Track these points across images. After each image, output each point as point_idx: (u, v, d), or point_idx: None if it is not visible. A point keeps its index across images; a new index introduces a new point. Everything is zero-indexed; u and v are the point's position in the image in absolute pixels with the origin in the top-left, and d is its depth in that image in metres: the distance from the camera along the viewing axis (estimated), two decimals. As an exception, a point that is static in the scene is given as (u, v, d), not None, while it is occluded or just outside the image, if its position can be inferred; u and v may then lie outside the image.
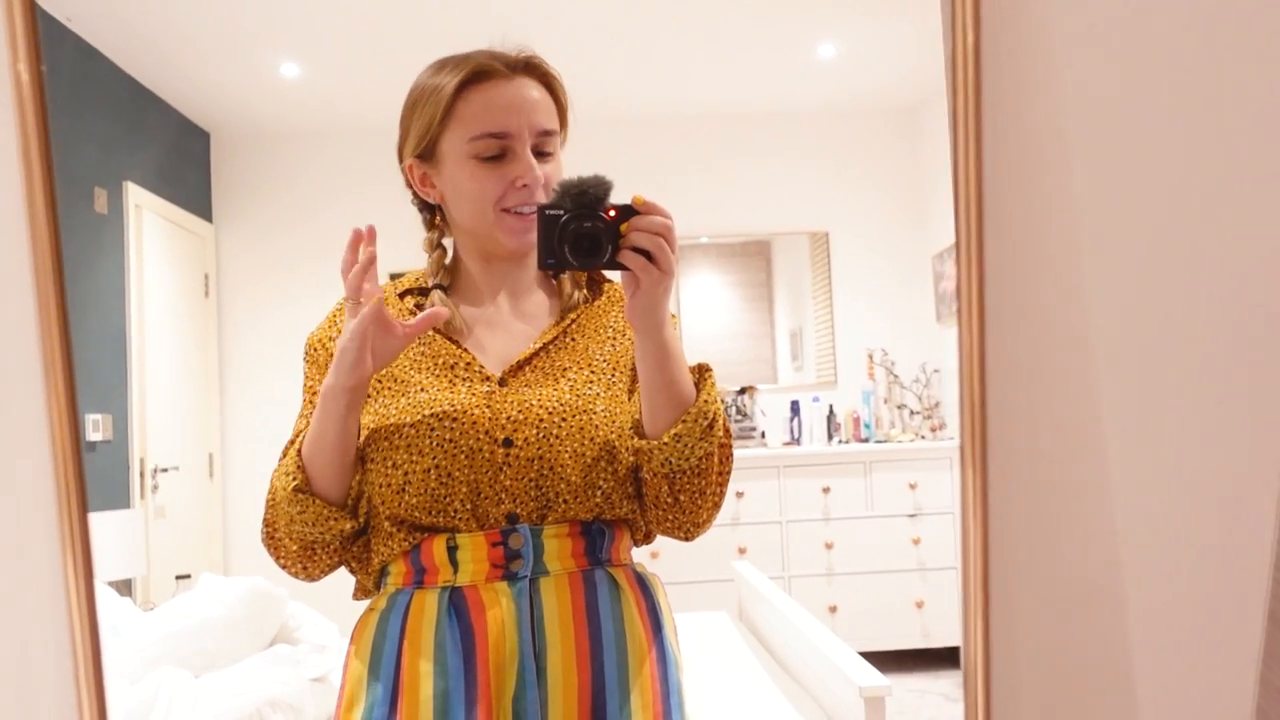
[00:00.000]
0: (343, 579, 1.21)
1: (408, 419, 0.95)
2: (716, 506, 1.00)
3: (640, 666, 0.98)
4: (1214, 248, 0.94)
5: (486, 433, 0.95)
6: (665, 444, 0.93)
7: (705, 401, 0.93)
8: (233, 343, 3.70)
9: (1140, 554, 0.92)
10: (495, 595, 0.95)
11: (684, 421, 0.93)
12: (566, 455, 0.96)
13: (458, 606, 0.97)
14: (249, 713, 1.67)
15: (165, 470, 3.14)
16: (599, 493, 0.98)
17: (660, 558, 3.29)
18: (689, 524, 0.98)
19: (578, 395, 0.98)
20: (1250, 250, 0.92)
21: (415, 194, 1.03)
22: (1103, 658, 0.93)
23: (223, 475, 3.59)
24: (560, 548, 0.97)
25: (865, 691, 1.59)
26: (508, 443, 0.95)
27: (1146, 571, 0.94)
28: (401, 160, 1.03)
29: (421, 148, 1.00)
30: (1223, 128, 0.92)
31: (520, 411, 0.96)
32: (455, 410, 0.96)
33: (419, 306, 1.02)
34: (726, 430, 0.96)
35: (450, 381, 0.98)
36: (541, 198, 0.98)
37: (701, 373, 0.95)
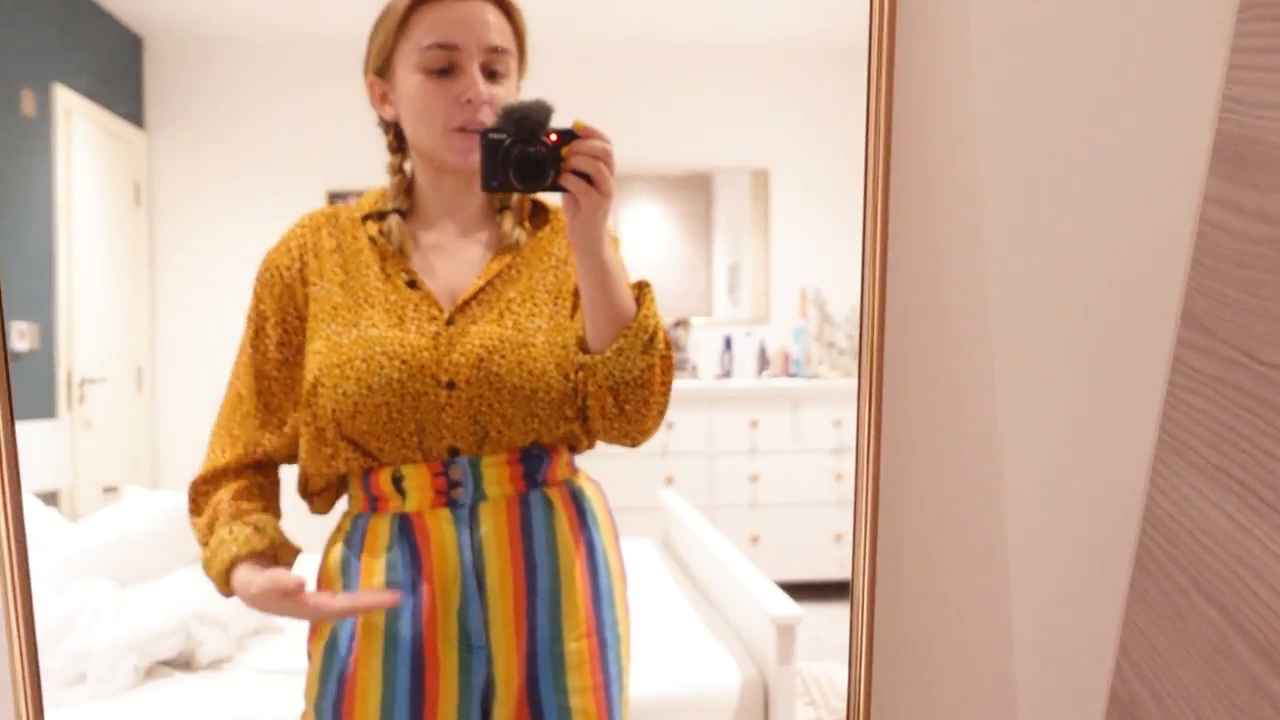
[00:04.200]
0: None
1: (359, 354, 1.02)
2: (661, 414, 1.07)
3: (571, 578, 1.06)
4: (1113, 186, 0.97)
5: (432, 376, 1.02)
6: (608, 358, 1.00)
7: (645, 317, 1.00)
8: (165, 255, 3.63)
9: (1022, 490, 0.98)
10: (439, 521, 1.04)
11: (625, 336, 0.99)
12: (505, 391, 1.03)
13: (406, 532, 1.05)
14: (175, 625, 1.70)
15: (93, 381, 3.10)
16: (536, 420, 1.04)
17: (589, 484, 3.33)
18: (635, 432, 1.07)
19: (519, 329, 1.04)
20: (1143, 166, 0.96)
21: (378, 114, 1.07)
22: (982, 585, 0.99)
23: (152, 388, 3.55)
24: (499, 474, 1.04)
25: (777, 620, 1.66)
26: (450, 385, 1.02)
27: (1027, 505, 1.00)
28: (366, 76, 1.07)
29: (379, 63, 1.05)
30: (1129, 43, 0.95)
31: (462, 354, 1.02)
32: (404, 352, 1.02)
33: (381, 232, 1.06)
34: (667, 343, 1.02)
35: (400, 319, 1.04)
36: (488, 116, 1.02)
37: (641, 289, 1.01)
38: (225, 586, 1.01)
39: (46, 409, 2.86)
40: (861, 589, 0.99)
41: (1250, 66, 0.79)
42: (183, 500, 2.02)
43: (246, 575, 1.00)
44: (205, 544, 1.03)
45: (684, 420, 3.44)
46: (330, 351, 1.04)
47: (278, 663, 1.71)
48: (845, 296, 3.95)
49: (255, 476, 1.07)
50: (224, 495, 1.05)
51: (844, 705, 2.34)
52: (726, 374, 3.79)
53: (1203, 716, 0.73)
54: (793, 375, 3.79)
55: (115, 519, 2.00)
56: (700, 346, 3.98)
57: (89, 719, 1.57)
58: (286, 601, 0.94)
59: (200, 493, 1.05)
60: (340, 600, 0.97)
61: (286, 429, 1.04)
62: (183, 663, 1.75)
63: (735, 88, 3.97)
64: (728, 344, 3.82)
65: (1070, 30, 0.95)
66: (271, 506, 1.06)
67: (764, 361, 3.78)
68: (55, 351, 2.86)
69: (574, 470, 1.12)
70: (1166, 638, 0.78)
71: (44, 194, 2.85)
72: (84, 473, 2.86)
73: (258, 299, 1.09)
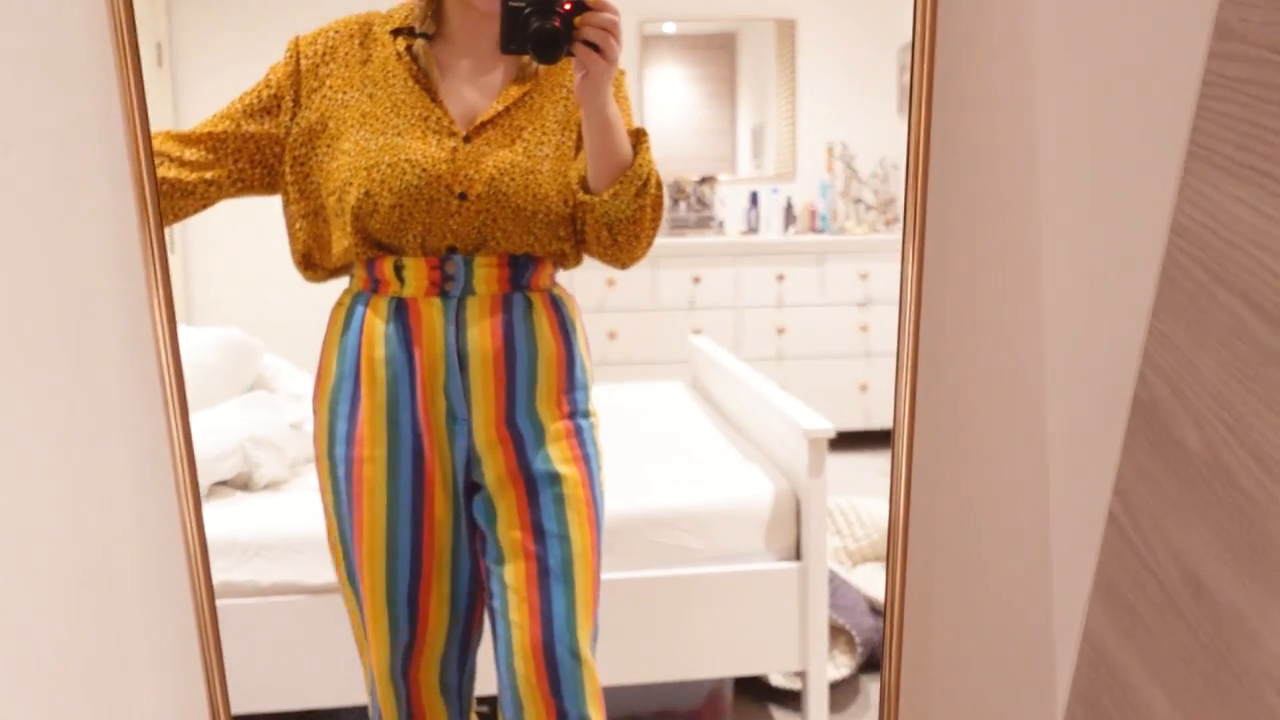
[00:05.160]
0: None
1: (385, 159, 1.12)
2: (649, 245, 1.21)
3: (548, 365, 1.18)
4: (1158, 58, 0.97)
5: (447, 186, 1.12)
6: (604, 200, 1.11)
7: (640, 165, 1.11)
8: (189, 116, 3.63)
9: (1063, 336, 1.00)
10: (430, 308, 1.16)
11: (621, 182, 1.11)
12: (510, 210, 1.13)
13: (401, 313, 1.18)
14: (232, 447, 1.77)
15: (127, 240, 3.14)
16: (532, 236, 1.15)
17: (618, 338, 3.38)
18: (625, 259, 1.20)
19: (529, 156, 1.14)
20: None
21: None
22: (1020, 433, 1.02)
23: (184, 249, 3.60)
24: (488, 275, 1.15)
25: (809, 433, 1.72)
26: (463, 196, 1.11)
27: (1069, 352, 1.02)
28: None
29: None
30: None
31: (476, 171, 1.11)
32: (424, 160, 1.11)
33: (408, 49, 1.15)
34: (658, 185, 1.15)
35: (423, 132, 1.13)
36: None
37: (639, 137, 1.12)
38: None
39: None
40: (903, 427, 1.03)
41: None
42: (230, 334, 2.09)
43: None
44: None
45: (711, 275, 3.47)
46: (359, 154, 1.15)
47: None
48: (873, 151, 3.92)
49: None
50: None
51: (868, 535, 2.43)
52: (753, 230, 3.79)
53: (1221, 400, 0.77)
54: (819, 231, 3.80)
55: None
56: (726, 203, 3.98)
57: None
58: None
59: None
60: None
61: (208, 169, 1.21)
62: (241, 484, 1.83)
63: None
64: (754, 200, 3.81)
65: None
66: None
67: (790, 218, 3.79)
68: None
69: (554, 282, 1.25)
70: (1187, 334, 0.83)
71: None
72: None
73: (269, 73, 1.25)
